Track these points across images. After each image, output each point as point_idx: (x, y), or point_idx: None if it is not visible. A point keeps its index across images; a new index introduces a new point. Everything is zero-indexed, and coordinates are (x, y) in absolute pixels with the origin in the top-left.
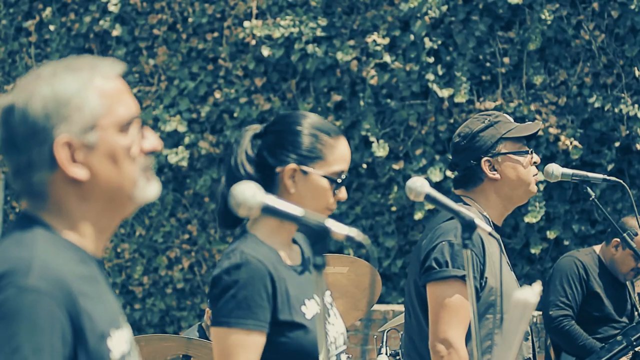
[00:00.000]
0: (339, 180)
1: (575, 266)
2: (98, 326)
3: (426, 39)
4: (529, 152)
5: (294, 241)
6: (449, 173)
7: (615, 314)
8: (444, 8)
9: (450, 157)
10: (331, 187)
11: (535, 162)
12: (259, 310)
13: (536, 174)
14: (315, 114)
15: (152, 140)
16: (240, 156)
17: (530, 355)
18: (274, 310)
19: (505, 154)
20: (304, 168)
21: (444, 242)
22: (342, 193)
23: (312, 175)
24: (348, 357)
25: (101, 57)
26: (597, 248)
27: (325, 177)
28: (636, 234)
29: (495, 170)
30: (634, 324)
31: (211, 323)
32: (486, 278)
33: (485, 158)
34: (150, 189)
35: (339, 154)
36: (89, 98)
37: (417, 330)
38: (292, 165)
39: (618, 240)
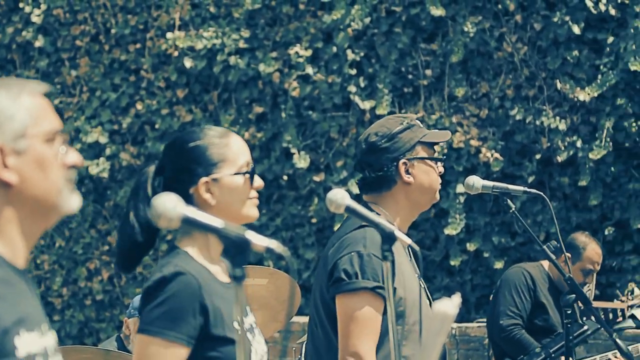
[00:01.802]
0: (246, 170)
1: (524, 276)
2: (1, 322)
3: (349, 51)
4: (442, 159)
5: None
6: None
7: (558, 325)
8: (367, 20)
9: (361, 156)
10: (245, 180)
11: (440, 172)
12: (184, 323)
13: (440, 183)
14: (201, 126)
15: (74, 156)
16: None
17: None
18: (205, 325)
19: (421, 158)
20: (214, 176)
21: (353, 253)
22: (257, 182)
23: (223, 178)
24: None
25: (27, 79)
26: (545, 264)
27: (235, 174)
28: (556, 246)
29: (409, 174)
30: (553, 336)
31: (137, 331)
32: (395, 289)
33: (403, 160)
34: (73, 200)
35: (236, 149)
36: (18, 110)
37: (325, 343)
38: (203, 180)
39: (569, 255)
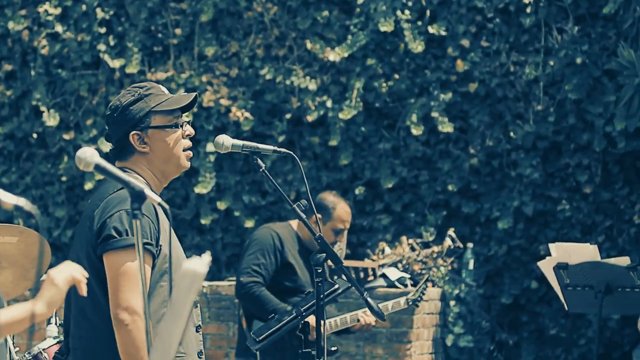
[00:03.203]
0: None
1: (271, 237)
2: None
3: (98, 10)
4: (180, 125)
5: None
6: None
7: (307, 285)
8: None
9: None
10: None
11: (188, 135)
12: None
13: (188, 148)
14: None
15: None
16: None
17: (200, 322)
18: None
19: (154, 127)
20: None
21: (121, 211)
22: None
23: None
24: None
25: None
26: (294, 223)
27: None
28: (307, 206)
29: (146, 143)
30: (304, 295)
31: None
32: (161, 246)
33: (134, 132)
34: None
35: None
36: None
37: (91, 303)
38: None
39: (319, 216)
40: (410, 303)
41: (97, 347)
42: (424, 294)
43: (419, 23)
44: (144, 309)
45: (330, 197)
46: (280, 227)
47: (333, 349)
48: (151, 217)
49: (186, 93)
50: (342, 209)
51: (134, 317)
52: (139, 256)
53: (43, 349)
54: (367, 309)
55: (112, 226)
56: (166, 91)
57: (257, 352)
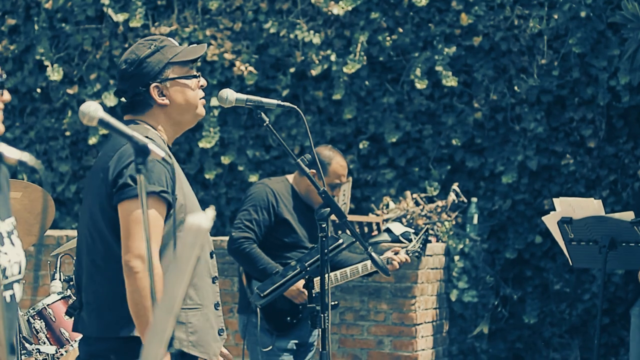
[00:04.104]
0: None
1: (265, 193)
2: None
3: None
4: (197, 75)
5: None
6: None
7: (305, 240)
8: None
9: (117, 84)
10: None
11: (202, 86)
12: None
13: (202, 97)
14: None
15: None
16: None
17: (216, 274)
18: None
19: (173, 79)
20: None
21: None
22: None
23: None
24: (22, 283)
25: None
26: (290, 177)
27: None
28: (311, 160)
29: (164, 95)
30: (309, 250)
31: None
32: (176, 195)
33: (154, 84)
34: None
35: None
36: None
37: (104, 254)
38: None
39: (314, 171)
40: (410, 254)
41: (114, 299)
42: (424, 245)
43: None
44: (149, 256)
45: (325, 152)
46: (276, 182)
47: (333, 303)
48: (167, 166)
49: (196, 45)
50: (337, 164)
51: (145, 265)
52: (142, 208)
53: (47, 305)
54: (368, 261)
55: (128, 174)
56: (177, 44)
57: (258, 309)
